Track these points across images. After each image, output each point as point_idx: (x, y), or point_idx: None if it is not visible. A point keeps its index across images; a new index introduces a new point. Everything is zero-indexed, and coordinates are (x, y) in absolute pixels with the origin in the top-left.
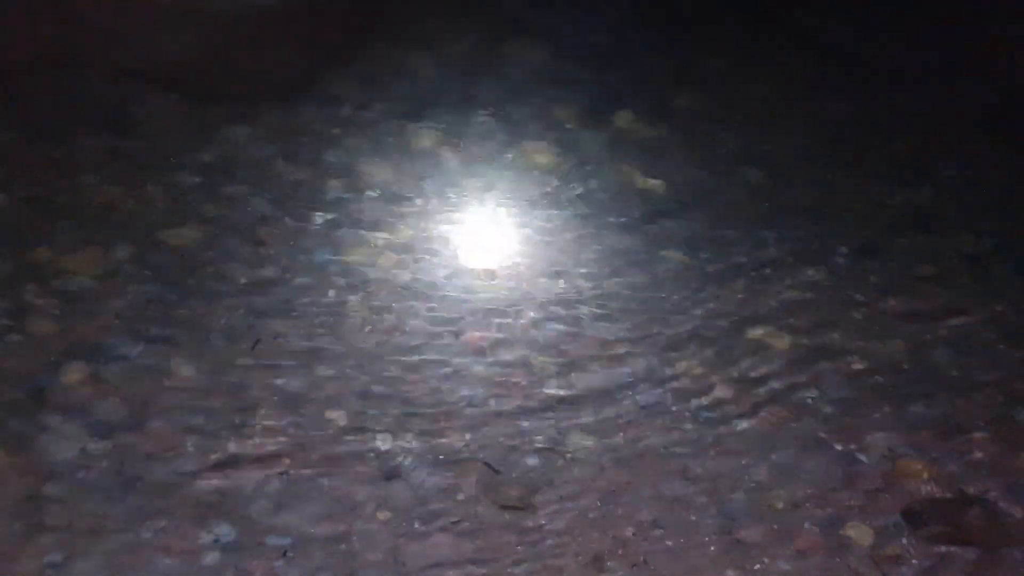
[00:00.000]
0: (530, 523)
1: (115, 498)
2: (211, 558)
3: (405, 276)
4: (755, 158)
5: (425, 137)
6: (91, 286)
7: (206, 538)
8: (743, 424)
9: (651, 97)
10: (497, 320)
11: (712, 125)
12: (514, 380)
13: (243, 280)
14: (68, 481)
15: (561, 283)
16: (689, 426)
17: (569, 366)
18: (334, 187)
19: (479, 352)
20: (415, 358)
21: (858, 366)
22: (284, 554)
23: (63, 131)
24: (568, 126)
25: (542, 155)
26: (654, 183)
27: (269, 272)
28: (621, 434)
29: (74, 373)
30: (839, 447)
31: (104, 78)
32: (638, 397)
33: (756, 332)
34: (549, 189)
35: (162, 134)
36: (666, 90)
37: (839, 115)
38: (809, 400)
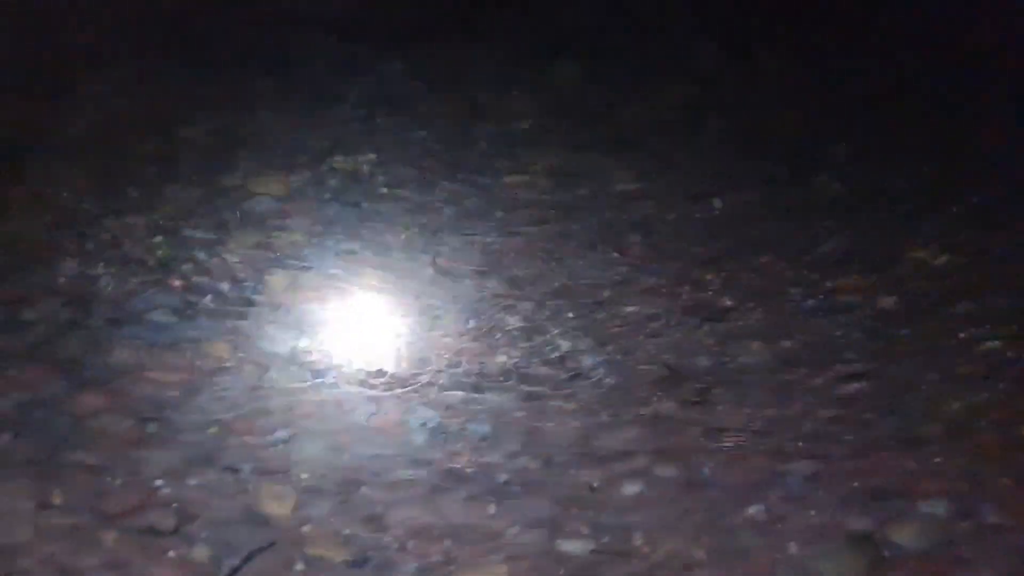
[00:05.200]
0: (710, 418)
1: (327, 387)
2: (421, 438)
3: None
4: None
5: (568, 69)
6: (278, 207)
7: (414, 422)
8: (910, 331)
9: None
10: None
11: None
12: (679, 290)
13: (415, 202)
14: (287, 371)
15: (716, 202)
16: (857, 334)
17: (732, 276)
18: (484, 121)
19: (641, 262)
20: (589, 270)
21: None
22: (484, 438)
23: (235, 69)
24: None
25: None
26: None
27: (437, 195)
28: (789, 341)
29: (276, 281)
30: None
31: (268, 18)
32: (801, 304)
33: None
34: None
35: (323, 70)
36: None
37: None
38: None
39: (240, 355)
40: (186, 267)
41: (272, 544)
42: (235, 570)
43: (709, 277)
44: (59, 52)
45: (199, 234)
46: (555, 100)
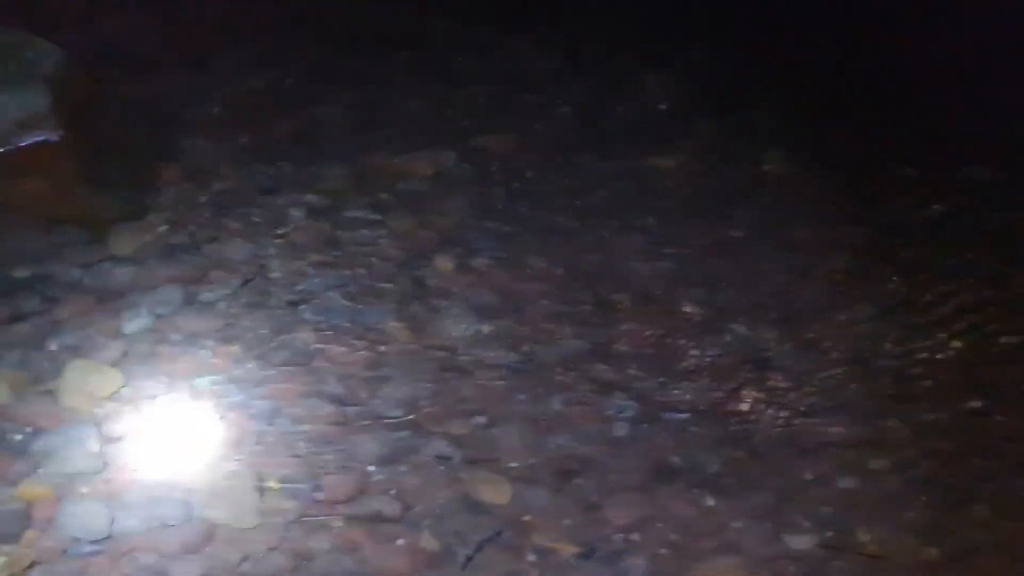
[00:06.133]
0: (912, 411)
1: (516, 372)
2: (622, 428)
3: None
4: None
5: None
6: (430, 188)
7: (611, 411)
8: None
9: None
10: None
11: None
12: (854, 278)
13: (564, 183)
14: (472, 357)
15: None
16: None
17: (906, 265)
18: (623, 102)
19: (809, 250)
20: (759, 258)
21: None
22: (684, 428)
23: (366, 46)
24: None
25: None
26: None
27: (586, 177)
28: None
29: (444, 264)
30: None
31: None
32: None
33: None
34: None
35: (454, 49)
36: None
37: None
38: None
39: (421, 338)
40: (352, 248)
41: (499, 533)
42: (469, 559)
43: (883, 266)
44: (193, 29)
45: (358, 214)
46: (691, 80)
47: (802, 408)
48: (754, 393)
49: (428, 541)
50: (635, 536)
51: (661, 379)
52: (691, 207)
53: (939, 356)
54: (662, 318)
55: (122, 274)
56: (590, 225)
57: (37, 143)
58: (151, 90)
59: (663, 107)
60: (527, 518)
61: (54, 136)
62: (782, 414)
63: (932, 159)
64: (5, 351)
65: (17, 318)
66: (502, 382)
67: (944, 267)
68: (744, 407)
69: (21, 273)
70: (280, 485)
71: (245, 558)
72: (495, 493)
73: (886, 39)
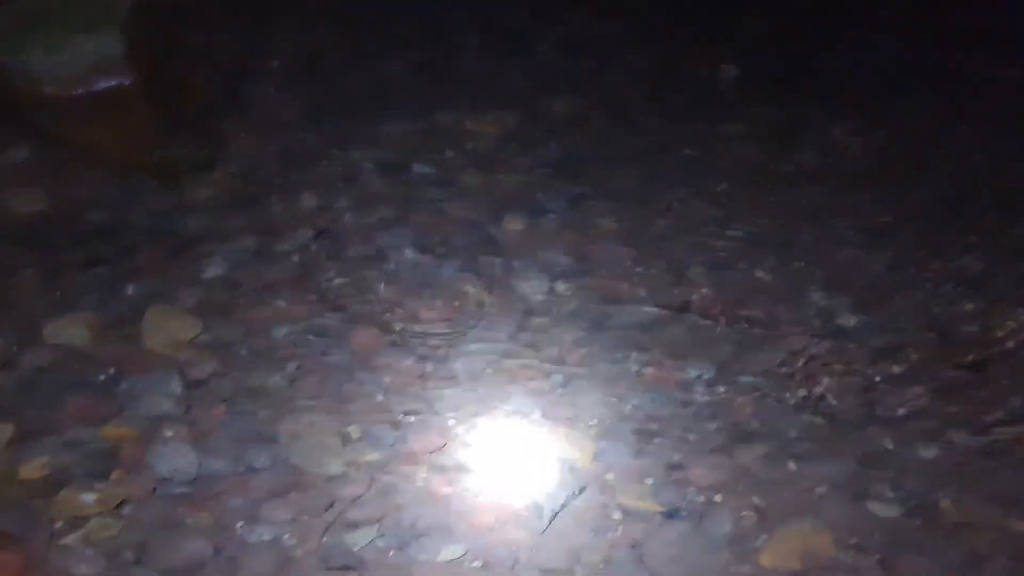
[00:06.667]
0: (993, 385)
1: (592, 332)
2: (698, 392)
3: None
4: None
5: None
6: (498, 147)
7: (688, 374)
8: None
9: None
10: None
11: None
12: (929, 252)
13: (633, 147)
14: (547, 315)
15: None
16: None
17: (984, 238)
18: (683, 70)
19: (883, 220)
20: (831, 227)
21: None
22: (760, 393)
23: (430, 4)
24: None
25: None
26: None
27: (654, 141)
28: None
29: (515, 224)
30: None
31: None
32: None
33: None
34: None
35: (511, 12)
36: None
37: None
38: None
39: (496, 295)
40: (423, 205)
41: (582, 490)
42: (555, 515)
43: (958, 235)
44: None
45: (427, 170)
46: (754, 49)
47: (879, 377)
48: (831, 360)
49: (512, 495)
50: (718, 498)
51: (737, 344)
52: (760, 174)
53: (1017, 326)
54: (736, 284)
55: (196, 222)
56: (659, 189)
57: (111, 87)
58: (219, 41)
59: (727, 75)
60: (609, 476)
61: (127, 80)
62: (859, 382)
63: (1006, 129)
64: (82, 294)
65: (93, 262)
66: (579, 342)
67: (1020, 237)
68: (821, 374)
69: (96, 218)
70: (363, 435)
71: (331, 505)
72: (577, 451)
73: (953, 7)
